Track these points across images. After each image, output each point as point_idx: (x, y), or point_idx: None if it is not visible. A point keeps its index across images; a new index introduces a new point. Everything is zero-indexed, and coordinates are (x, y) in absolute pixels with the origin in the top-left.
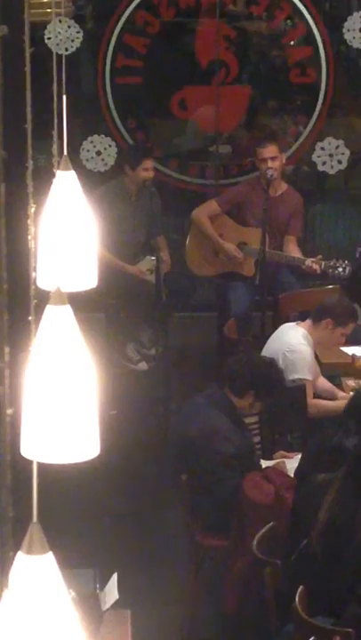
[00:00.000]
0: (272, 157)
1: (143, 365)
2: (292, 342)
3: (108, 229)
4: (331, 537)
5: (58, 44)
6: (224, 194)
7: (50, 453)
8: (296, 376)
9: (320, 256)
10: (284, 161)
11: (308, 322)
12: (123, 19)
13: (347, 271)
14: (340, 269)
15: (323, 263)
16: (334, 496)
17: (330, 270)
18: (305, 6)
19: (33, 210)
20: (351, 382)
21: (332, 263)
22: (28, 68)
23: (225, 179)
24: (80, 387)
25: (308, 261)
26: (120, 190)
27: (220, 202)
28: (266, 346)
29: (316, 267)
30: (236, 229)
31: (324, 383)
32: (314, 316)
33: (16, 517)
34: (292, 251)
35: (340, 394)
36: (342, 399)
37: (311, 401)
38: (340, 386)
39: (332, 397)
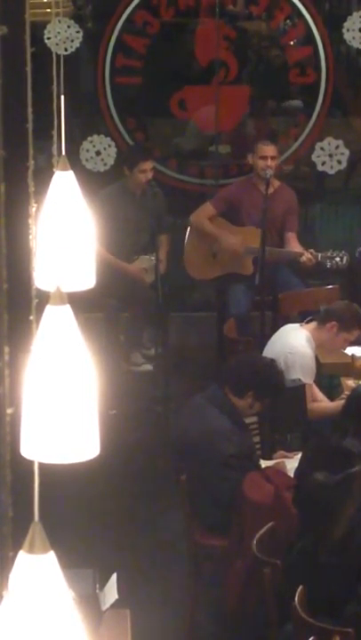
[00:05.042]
0: (272, 156)
1: (147, 367)
2: (295, 344)
3: (112, 230)
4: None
5: (57, 44)
6: (217, 195)
7: (50, 453)
8: (296, 376)
9: (312, 250)
10: (278, 161)
11: (314, 323)
12: (122, 19)
13: (344, 260)
14: (338, 259)
15: (319, 255)
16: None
17: (327, 261)
18: (305, 6)
19: (34, 210)
20: (351, 382)
21: (328, 254)
22: (28, 68)
23: (224, 178)
24: (80, 386)
25: (307, 254)
26: (123, 191)
27: (215, 203)
28: (268, 346)
29: (313, 258)
30: (231, 230)
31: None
32: (320, 318)
33: (16, 517)
34: (295, 247)
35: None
36: (340, 399)
37: (311, 405)
38: (339, 386)
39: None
